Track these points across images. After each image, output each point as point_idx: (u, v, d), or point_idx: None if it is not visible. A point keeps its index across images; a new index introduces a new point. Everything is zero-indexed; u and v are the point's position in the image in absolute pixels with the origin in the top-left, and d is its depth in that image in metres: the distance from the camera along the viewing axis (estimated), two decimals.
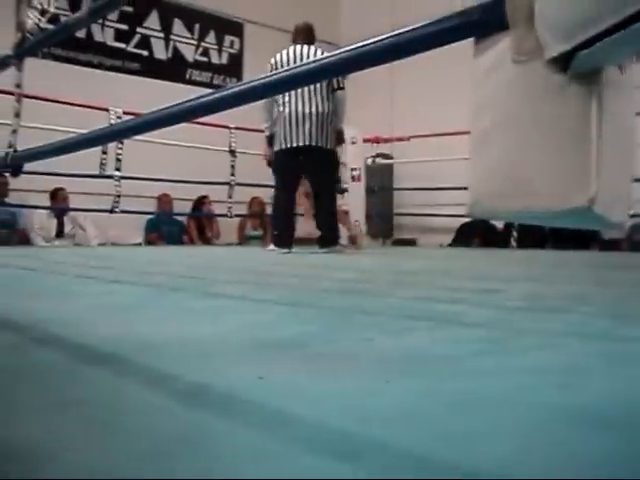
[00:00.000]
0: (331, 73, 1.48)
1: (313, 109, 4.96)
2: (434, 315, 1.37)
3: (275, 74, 1.30)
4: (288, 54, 5.02)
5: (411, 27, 1.06)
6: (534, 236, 6.50)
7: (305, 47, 5.10)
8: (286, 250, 4.95)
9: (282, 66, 4.64)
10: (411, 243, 8.37)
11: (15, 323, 1.19)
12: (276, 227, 5.23)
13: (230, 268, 3.16)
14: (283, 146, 4.96)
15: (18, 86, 2.44)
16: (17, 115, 2.45)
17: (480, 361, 0.87)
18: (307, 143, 4.92)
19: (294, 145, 4.92)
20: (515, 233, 6.71)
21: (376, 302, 1.67)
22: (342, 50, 1.14)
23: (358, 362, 0.85)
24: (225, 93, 1.45)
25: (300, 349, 0.94)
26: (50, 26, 7.30)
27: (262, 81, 1.31)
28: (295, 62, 4.71)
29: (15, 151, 2.36)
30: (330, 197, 5.22)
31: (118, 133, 2.34)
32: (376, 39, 1.09)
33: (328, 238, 5.15)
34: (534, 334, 1.14)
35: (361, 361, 0.86)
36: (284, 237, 5.07)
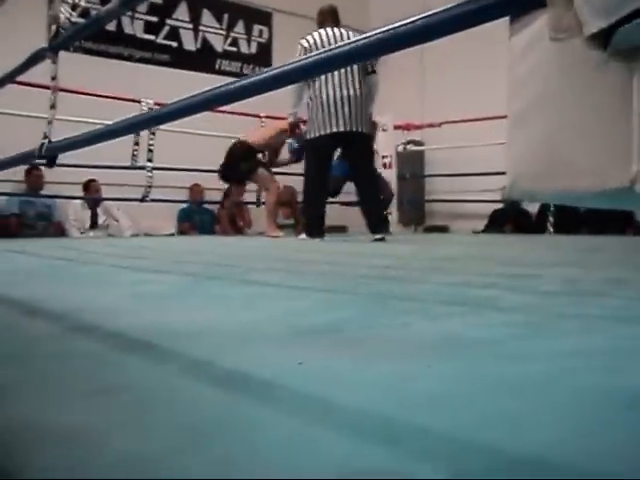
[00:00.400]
0: (364, 56, 1.46)
1: (351, 92, 4.69)
2: (470, 300, 1.36)
3: (310, 57, 1.28)
4: (321, 37, 4.80)
5: (444, 7, 1.04)
6: (570, 221, 6.41)
7: (336, 29, 4.90)
8: (319, 239, 4.75)
9: (316, 49, 4.36)
10: (443, 230, 8.31)
11: (54, 312, 1.20)
12: (308, 216, 5.05)
13: (264, 256, 3.17)
14: (322, 132, 4.65)
15: (53, 78, 2.47)
16: (52, 107, 2.47)
17: (520, 345, 0.85)
18: (348, 129, 4.63)
19: (334, 130, 4.62)
20: (551, 218, 6.61)
21: (411, 288, 1.66)
22: (375, 32, 1.13)
23: (396, 347, 0.84)
24: (259, 77, 1.43)
25: (337, 334, 0.94)
26: (81, 20, 7.37)
27: (297, 64, 1.30)
28: (330, 45, 4.39)
29: (50, 142, 2.38)
30: (374, 184, 5.02)
31: (151, 120, 2.35)
32: (408, 20, 1.08)
33: (380, 224, 4.83)
34: (573, 318, 1.13)
35: (399, 346, 0.85)
36: (316, 226, 4.87)
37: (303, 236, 5.05)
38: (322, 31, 4.89)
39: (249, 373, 0.70)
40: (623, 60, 0.82)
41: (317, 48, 4.40)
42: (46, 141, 2.33)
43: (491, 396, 0.61)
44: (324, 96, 4.67)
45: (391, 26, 1.13)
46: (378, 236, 4.63)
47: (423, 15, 1.06)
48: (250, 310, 1.22)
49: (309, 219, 5.02)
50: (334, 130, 4.62)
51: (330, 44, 4.41)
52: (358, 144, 4.76)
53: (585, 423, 0.53)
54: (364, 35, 1.16)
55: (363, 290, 1.60)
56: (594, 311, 1.21)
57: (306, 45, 4.75)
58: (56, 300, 1.37)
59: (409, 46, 1.15)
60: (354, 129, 4.65)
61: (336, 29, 4.92)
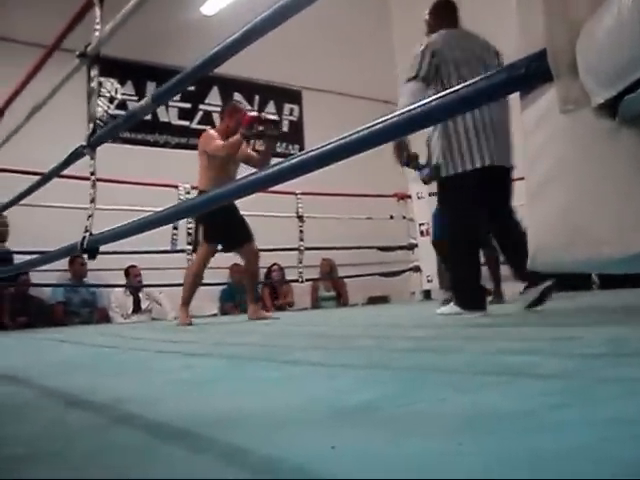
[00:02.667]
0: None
1: (500, 116, 3.63)
2: (507, 369, 1.35)
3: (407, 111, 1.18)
4: (459, 43, 3.65)
5: (462, 85, 1.08)
6: (615, 275, 6.29)
7: (468, 34, 3.79)
8: (480, 313, 3.43)
9: (449, 51, 3.56)
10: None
11: (97, 404, 1.22)
12: (461, 280, 3.62)
13: (306, 334, 3.18)
14: (477, 164, 3.52)
15: (92, 174, 2.57)
16: (92, 201, 2.56)
17: (556, 415, 0.85)
18: (502, 163, 3.58)
19: (487, 164, 3.52)
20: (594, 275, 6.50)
21: (448, 359, 1.66)
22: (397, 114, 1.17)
23: (430, 424, 0.84)
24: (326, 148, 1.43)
25: (373, 414, 0.94)
26: (119, 112, 7.67)
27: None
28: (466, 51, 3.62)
29: (91, 234, 2.46)
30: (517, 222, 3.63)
31: (191, 209, 2.42)
32: (427, 100, 1.12)
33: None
34: (616, 382, 1.11)
35: (433, 423, 0.85)
36: (475, 294, 3.55)
37: (450, 309, 3.62)
38: (451, 33, 3.72)
39: (282, 459, 0.71)
40: (633, 127, 0.83)
41: (450, 50, 3.57)
42: (87, 234, 2.41)
43: (523, 472, 0.60)
44: (468, 118, 3.53)
45: (410, 108, 1.17)
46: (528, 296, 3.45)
47: (439, 95, 1.10)
48: (287, 393, 1.23)
49: (463, 284, 3.59)
50: (487, 163, 3.54)
51: (466, 50, 3.60)
52: (507, 184, 3.71)
53: None
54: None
55: (402, 364, 1.60)
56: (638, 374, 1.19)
57: (432, 49, 3.58)
58: (99, 391, 1.39)
59: (428, 125, 1.18)
60: (508, 164, 3.65)
61: (467, 33, 3.81)
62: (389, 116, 1.23)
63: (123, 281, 7.15)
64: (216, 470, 0.69)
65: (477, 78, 1.02)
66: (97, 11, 2.63)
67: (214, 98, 8.93)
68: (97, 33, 2.60)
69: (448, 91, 1.10)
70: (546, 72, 0.92)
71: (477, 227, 3.71)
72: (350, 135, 1.33)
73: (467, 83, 1.04)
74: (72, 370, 2.02)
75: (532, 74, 0.96)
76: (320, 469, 0.66)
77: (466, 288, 3.54)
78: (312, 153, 1.43)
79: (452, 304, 3.60)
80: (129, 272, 7.13)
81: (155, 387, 1.44)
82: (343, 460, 0.69)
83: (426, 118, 1.19)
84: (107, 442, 0.88)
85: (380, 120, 1.26)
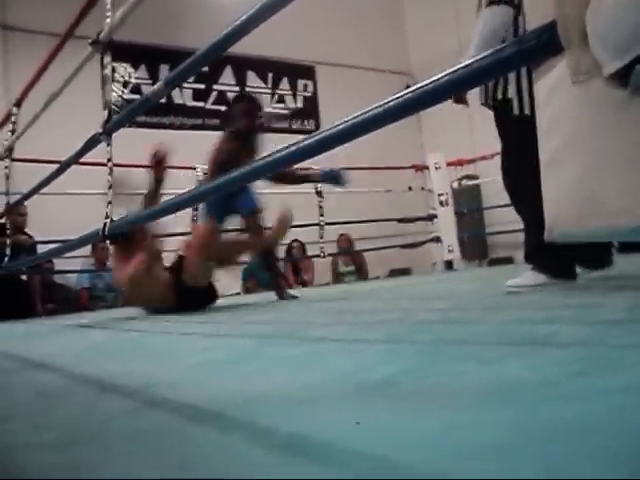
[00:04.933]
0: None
1: None
2: (528, 339, 1.36)
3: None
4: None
5: (470, 60, 1.08)
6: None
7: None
8: (570, 281, 2.84)
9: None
10: (507, 261, 8.21)
11: (126, 388, 1.26)
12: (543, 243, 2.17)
13: (328, 309, 3.20)
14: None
15: (109, 160, 2.60)
16: (110, 187, 2.60)
17: (575, 384, 0.86)
18: None
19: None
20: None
21: (470, 330, 1.67)
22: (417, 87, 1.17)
23: (451, 397, 0.86)
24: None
25: (395, 388, 0.96)
26: (133, 96, 7.67)
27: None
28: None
29: (112, 221, 2.50)
30: None
31: (213, 189, 2.42)
32: (436, 77, 1.12)
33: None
34: (637, 349, 1.12)
35: (454, 396, 0.87)
36: (565, 259, 2.87)
37: (524, 280, 2.84)
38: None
39: (308, 437, 0.73)
40: None
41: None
42: (108, 220, 2.44)
43: (544, 443, 0.62)
44: None
45: (428, 81, 1.17)
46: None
47: (448, 72, 1.10)
48: (310, 370, 1.25)
49: (546, 249, 2.52)
50: None
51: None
52: None
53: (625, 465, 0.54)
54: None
55: (422, 337, 1.61)
56: None
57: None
58: (128, 376, 1.42)
59: (442, 101, 1.18)
60: None
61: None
62: (406, 91, 1.24)
63: None
64: (245, 450, 0.71)
65: (487, 52, 1.02)
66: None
67: (228, 78, 8.93)
68: (108, 20, 2.61)
69: (459, 66, 1.10)
70: (557, 44, 0.92)
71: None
72: (367, 112, 1.34)
73: (477, 57, 1.04)
74: (102, 356, 2.06)
75: (543, 46, 0.95)
76: (345, 445, 0.68)
77: (550, 256, 2.78)
78: (331, 131, 1.44)
79: (532, 272, 2.84)
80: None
81: (182, 370, 1.47)
82: (368, 436, 0.71)
83: (439, 93, 1.19)
84: (138, 426, 0.91)
85: (397, 96, 1.27)
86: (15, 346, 2.77)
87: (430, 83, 1.16)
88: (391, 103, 1.29)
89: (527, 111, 2.91)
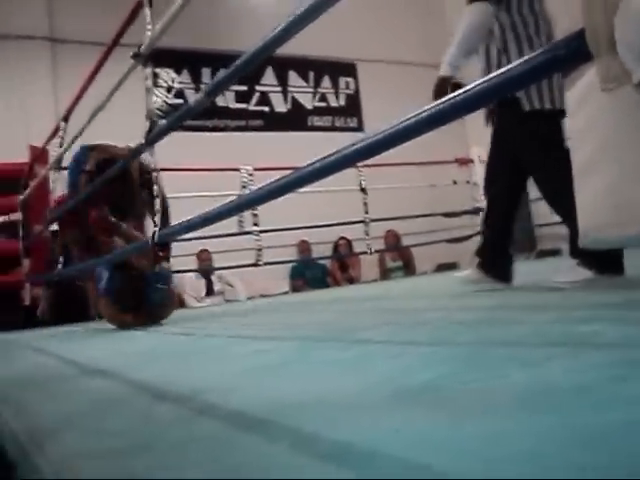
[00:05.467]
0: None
1: None
2: (571, 339, 1.37)
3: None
4: None
5: (505, 69, 1.10)
6: None
7: None
8: (502, 284, 3.17)
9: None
10: (555, 253, 8.10)
11: (179, 394, 1.30)
12: (492, 239, 3.27)
13: (374, 309, 3.23)
14: (543, 105, 2.89)
15: (154, 170, 2.66)
16: (157, 196, 2.66)
17: (618, 388, 0.87)
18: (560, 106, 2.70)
19: (553, 106, 2.87)
20: None
21: (513, 330, 1.68)
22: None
23: (492, 402, 0.88)
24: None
25: (436, 394, 0.98)
26: (177, 101, 7.77)
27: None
28: None
29: (160, 229, 2.56)
30: None
31: (256, 200, 2.42)
32: (469, 87, 1.14)
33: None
34: None
35: (495, 401, 0.89)
36: (502, 260, 3.22)
37: (467, 273, 3.40)
38: None
39: (350, 445, 0.76)
40: None
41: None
42: (157, 229, 2.51)
43: (581, 450, 0.64)
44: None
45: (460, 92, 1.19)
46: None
47: (483, 80, 1.12)
48: (353, 375, 1.28)
49: (491, 245, 3.26)
50: (552, 106, 2.90)
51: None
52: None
53: None
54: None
55: (464, 339, 1.63)
56: None
57: None
58: (179, 381, 1.48)
59: (473, 110, 1.20)
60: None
61: None
62: (448, 98, 1.26)
63: (193, 265, 7.34)
64: (290, 459, 0.75)
65: (517, 62, 1.03)
66: (147, 11, 2.70)
67: (270, 78, 9.00)
68: (148, 32, 2.67)
69: (493, 74, 1.12)
70: (586, 52, 0.93)
71: (521, 186, 3.29)
72: (409, 118, 1.36)
73: (509, 66, 1.06)
74: (152, 360, 2.12)
75: (572, 54, 0.97)
76: (385, 453, 0.71)
77: (492, 252, 3.20)
78: (377, 137, 1.46)
79: (578, 267, 2.72)
80: (200, 256, 7.34)
81: (230, 375, 1.51)
82: (407, 443, 0.74)
83: (477, 100, 1.21)
84: (191, 434, 0.95)
85: (439, 103, 1.30)
86: (71, 351, 2.86)
87: (468, 91, 1.18)
88: (431, 111, 1.32)
89: (537, 105, 2.90)
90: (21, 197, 5.73)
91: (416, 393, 1.01)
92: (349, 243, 8.22)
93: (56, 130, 4.17)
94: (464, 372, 1.14)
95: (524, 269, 3.58)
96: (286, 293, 7.71)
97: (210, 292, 7.38)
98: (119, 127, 6.65)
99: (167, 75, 8.33)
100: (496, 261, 3.19)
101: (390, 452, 0.71)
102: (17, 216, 6.01)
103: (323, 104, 9.53)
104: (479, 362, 1.25)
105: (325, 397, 1.07)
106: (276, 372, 1.47)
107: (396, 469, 0.67)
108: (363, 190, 7.52)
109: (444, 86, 2.93)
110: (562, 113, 2.42)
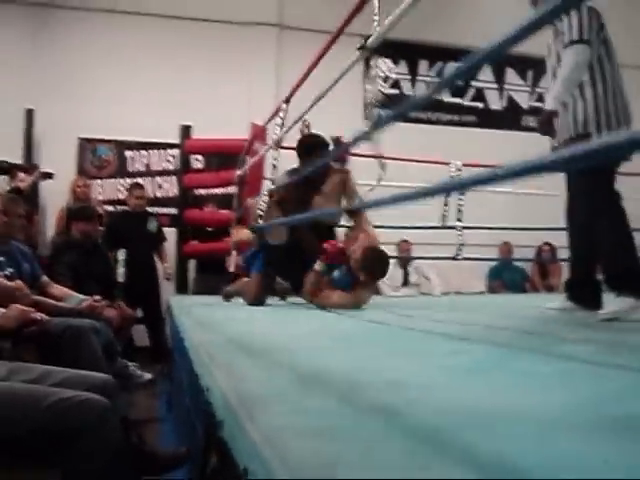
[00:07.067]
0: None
1: None
2: None
3: None
4: None
5: None
6: None
7: None
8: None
9: None
10: None
11: (379, 384, 1.32)
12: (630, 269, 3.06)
13: (575, 322, 3.08)
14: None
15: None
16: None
17: None
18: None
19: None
20: None
21: None
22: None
23: None
24: None
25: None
26: (392, 91, 7.85)
27: None
28: None
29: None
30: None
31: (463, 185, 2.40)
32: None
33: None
34: None
35: None
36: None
37: (558, 304, 3.50)
38: None
39: (553, 472, 0.74)
40: None
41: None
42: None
43: None
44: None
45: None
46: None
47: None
48: (555, 393, 1.24)
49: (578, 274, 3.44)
50: None
51: None
52: None
53: None
54: None
55: None
56: None
57: None
58: (374, 370, 1.51)
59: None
60: None
61: None
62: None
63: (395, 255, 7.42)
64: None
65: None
66: (375, 3, 2.73)
67: (486, 75, 8.82)
68: (376, 24, 2.70)
69: None
70: None
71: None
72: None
73: None
74: (351, 346, 2.17)
75: None
76: None
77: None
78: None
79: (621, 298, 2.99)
80: (400, 246, 7.45)
81: (426, 372, 1.51)
82: (616, 476, 0.71)
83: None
84: (394, 427, 0.97)
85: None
86: (275, 324, 3.01)
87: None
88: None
89: None
90: (238, 172, 6.08)
91: (625, 423, 0.96)
92: (553, 250, 7.89)
93: (277, 111, 4.33)
94: None
95: None
96: (482, 293, 7.57)
97: (406, 283, 7.44)
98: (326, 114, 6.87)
99: (385, 65, 8.44)
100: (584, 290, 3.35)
101: None
102: (232, 189, 6.43)
103: (540, 104, 9.17)
104: None
105: (523, 413, 1.04)
106: (473, 377, 1.45)
107: None
108: None
109: (551, 119, 3.20)
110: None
